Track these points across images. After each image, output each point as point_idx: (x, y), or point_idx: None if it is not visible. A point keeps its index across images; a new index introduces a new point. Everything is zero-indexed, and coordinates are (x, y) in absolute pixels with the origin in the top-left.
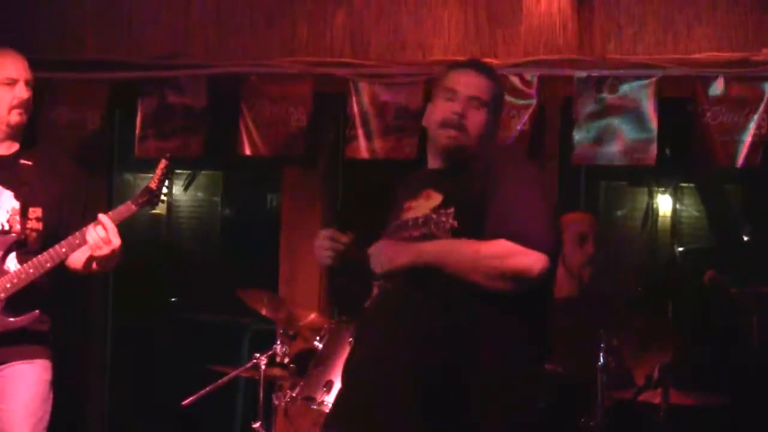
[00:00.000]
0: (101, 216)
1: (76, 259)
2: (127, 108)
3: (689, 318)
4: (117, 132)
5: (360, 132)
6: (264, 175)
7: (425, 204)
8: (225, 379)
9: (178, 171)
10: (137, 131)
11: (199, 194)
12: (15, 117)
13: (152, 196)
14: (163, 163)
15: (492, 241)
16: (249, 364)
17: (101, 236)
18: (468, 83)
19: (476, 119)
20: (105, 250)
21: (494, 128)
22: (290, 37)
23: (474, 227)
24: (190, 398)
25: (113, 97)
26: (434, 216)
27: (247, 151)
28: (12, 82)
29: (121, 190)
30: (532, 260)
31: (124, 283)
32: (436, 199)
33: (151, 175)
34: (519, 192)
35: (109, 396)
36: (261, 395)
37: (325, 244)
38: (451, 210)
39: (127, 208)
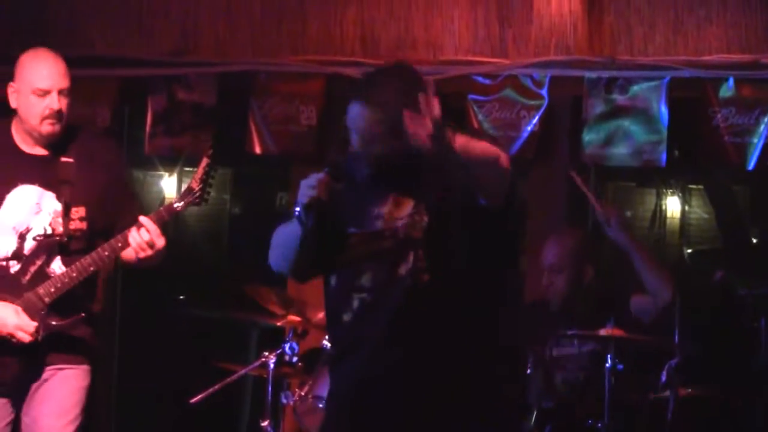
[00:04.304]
0: (143, 219)
1: (129, 252)
2: (136, 105)
3: (697, 319)
4: (126, 129)
5: None
6: (273, 173)
7: (398, 210)
8: (233, 377)
9: (186, 169)
10: (147, 128)
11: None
12: (47, 127)
13: (194, 196)
14: (204, 162)
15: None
16: (257, 363)
17: (145, 239)
18: (354, 119)
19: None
20: (149, 252)
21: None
22: (300, 35)
23: (446, 213)
24: (198, 396)
25: (123, 94)
26: (412, 218)
27: (257, 149)
28: (44, 93)
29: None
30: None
31: (131, 280)
32: (407, 203)
33: (161, 172)
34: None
35: (116, 393)
36: (269, 393)
37: (319, 183)
38: (422, 207)
39: (168, 210)
